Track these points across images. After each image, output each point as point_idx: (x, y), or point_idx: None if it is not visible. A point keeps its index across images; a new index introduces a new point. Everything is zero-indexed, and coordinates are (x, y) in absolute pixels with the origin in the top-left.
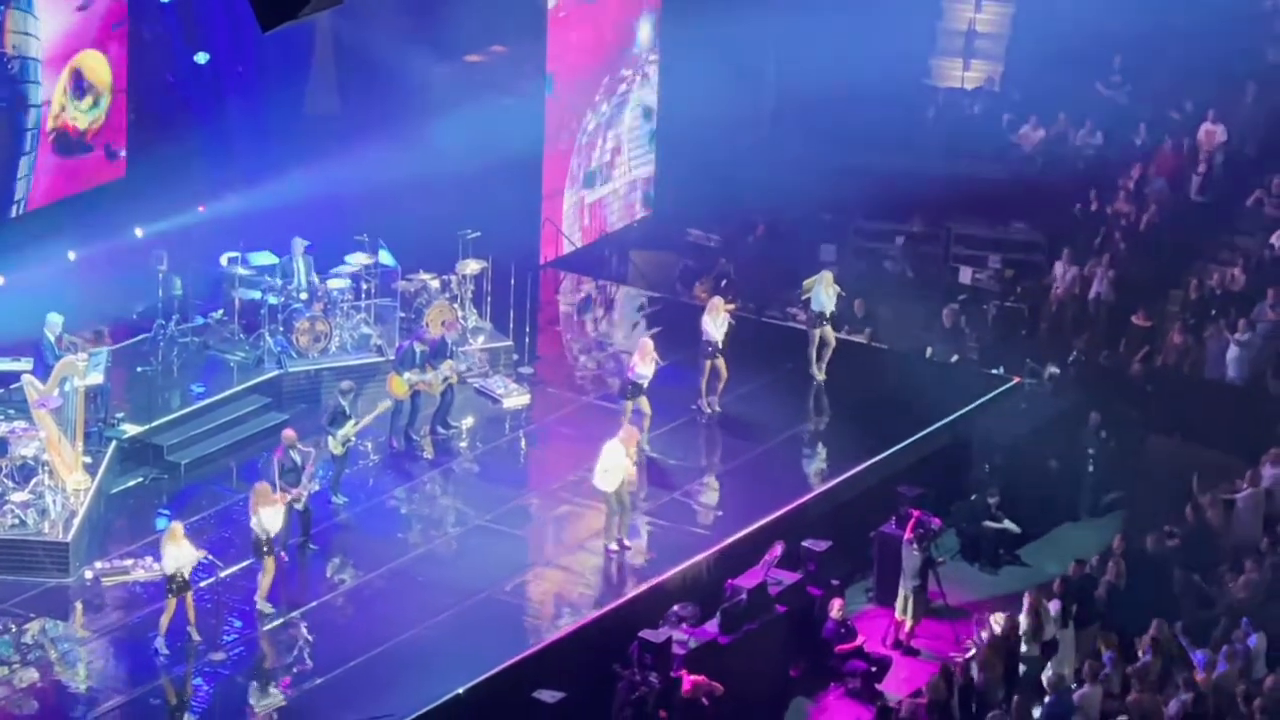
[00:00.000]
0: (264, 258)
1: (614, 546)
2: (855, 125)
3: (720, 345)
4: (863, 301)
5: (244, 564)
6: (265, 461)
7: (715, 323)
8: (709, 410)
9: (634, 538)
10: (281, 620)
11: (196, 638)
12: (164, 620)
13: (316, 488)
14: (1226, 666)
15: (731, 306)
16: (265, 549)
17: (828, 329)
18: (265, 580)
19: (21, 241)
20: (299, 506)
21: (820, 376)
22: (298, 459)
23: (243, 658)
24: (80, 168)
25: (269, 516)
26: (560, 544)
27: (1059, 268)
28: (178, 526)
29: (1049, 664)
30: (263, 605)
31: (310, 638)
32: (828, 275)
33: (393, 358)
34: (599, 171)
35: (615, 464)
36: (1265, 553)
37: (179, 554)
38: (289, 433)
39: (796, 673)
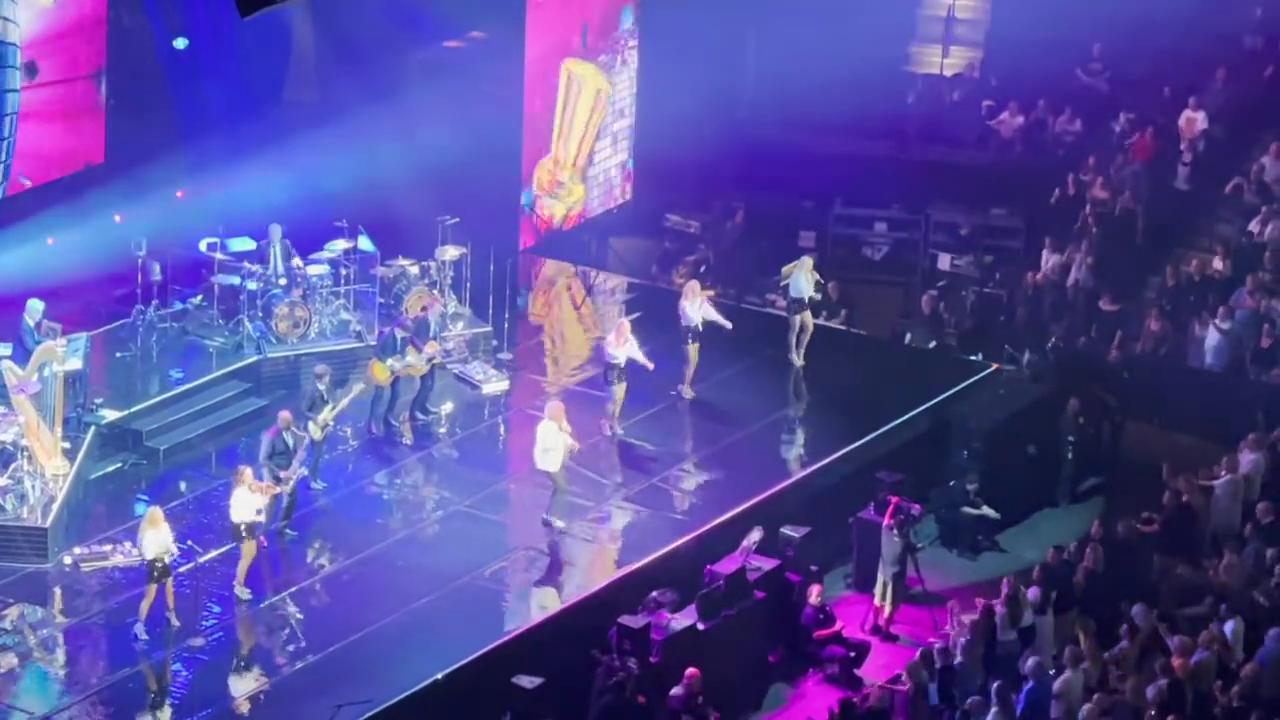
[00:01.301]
0: (243, 243)
1: (561, 525)
2: (835, 111)
3: (699, 329)
4: (837, 284)
5: (223, 549)
6: (253, 442)
7: (694, 307)
8: (689, 396)
9: (607, 523)
10: (262, 606)
11: (175, 623)
12: (144, 606)
13: (304, 473)
14: (1204, 653)
15: (710, 292)
16: (244, 533)
17: (807, 315)
18: (243, 565)
19: None
20: (286, 490)
21: (799, 363)
22: (290, 442)
23: (222, 643)
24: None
25: (249, 501)
26: (539, 529)
27: (1045, 255)
28: (157, 511)
29: (1028, 650)
30: (240, 590)
31: (290, 623)
32: (807, 261)
33: (372, 343)
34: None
35: (554, 443)
36: (1248, 539)
37: (158, 539)
38: (285, 414)
39: (775, 658)
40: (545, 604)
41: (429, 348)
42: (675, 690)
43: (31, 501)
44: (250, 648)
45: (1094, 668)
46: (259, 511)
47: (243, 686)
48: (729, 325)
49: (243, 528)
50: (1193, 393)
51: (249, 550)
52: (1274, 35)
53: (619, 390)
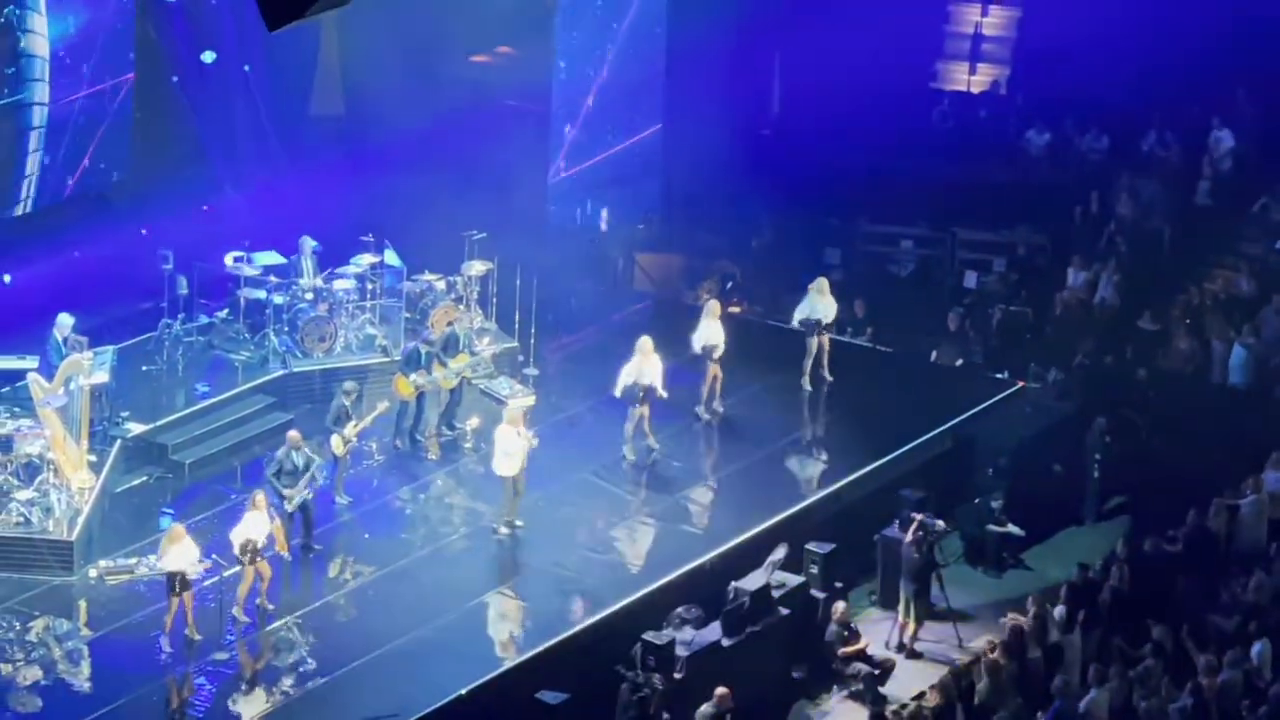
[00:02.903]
0: (269, 257)
1: (504, 530)
2: (861, 128)
3: (716, 350)
4: (862, 302)
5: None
6: (267, 460)
7: (712, 329)
8: (705, 417)
9: (631, 539)
10: (285, 620)
11: (196, 637)
12: (168, 619)
13: (309, 495)
14: (1231, 673)
15: (736, 309)
16: (246, 557)
17: (824, 336)
18: (241, 588)
19: (27, 239)
20: (290, 508)
21: (808, 387)
22: (299, 462)
23: (246, 657)
24: None
25: (257, 524)
26: (564, 545)
27: (1071, 271)
28: (179, 527)
29: (1054, 669)
30: (237, 613)
31: (313, 637)
32: (824, 284)
33: (397, 358)
34: None
35: (514, 447)
36: (1274, 557)
37: (180, 554)
38: (294, 434)
39: (799, 675)
40: (570, 620)
41: (456, 361)
42: (705, 708)
43: (57, 514)
44: (273, 662)
45: (1119, 686)
46: (267, 540)
47: (265, 700)
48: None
49: (244, 550)
50: (1219, 411)
51: (248, 574)
52: None
53: (645, 409)
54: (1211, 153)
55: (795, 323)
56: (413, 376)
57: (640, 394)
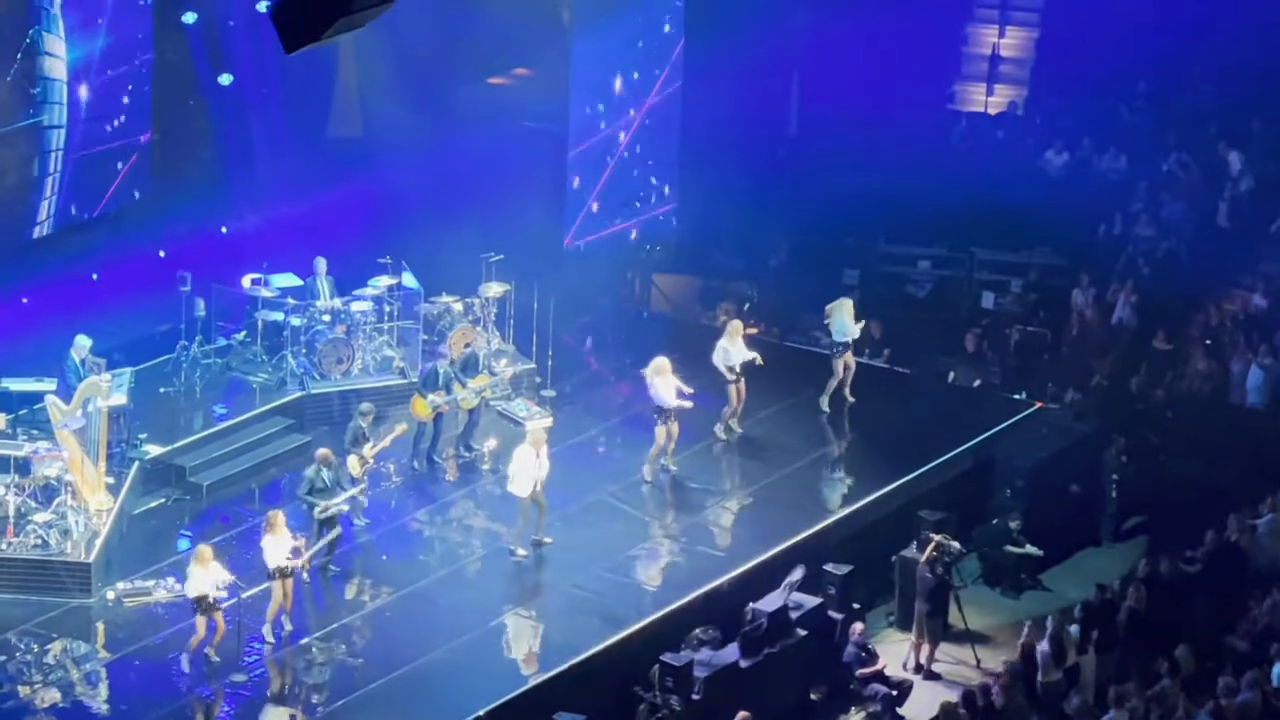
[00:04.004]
0: (286, 279)
1: (521, 552)
2: (878, 149)
3: (739, 369)
4: (878, 323)
5: (265, 585)
6: (296, 479)
7: (735, 348)
8: (724, 436)
9: (649, 560)
10: (303, 642)
11: (215, 659)
12: (194, 641)
13: (345, 509)
14: (1250, 694)
15: (753, 329)
16: (275, 576)
17: (849, 355)
18: (272, 608)
19: (45, 262)
20: (319, 515)
21: (826, 409)
22: (329, 479)
23: (264, 679)
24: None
25: (279, 546)
26: (581, 566)
27: (1077, 293)
28: (206, 549)
29: (1071, 690)
30: (267, 633)
31: (331, 660)
32: (848, 303)
33: (414, 380)
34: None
35: (527, 469)
36: None
37: (205, 577)
38: (323, 451)
39: (817, 696)
40: (587, 640)
41: (476, 381)
42: None
43: (75, 536)
44: (292, 684)
45: (1137, 707)
46: (292, 554)
47: None
48: (760, 360)
49: (274, 571)
50: (1236, 430)
51: (276, 592)
52: None
53: (674, 429)
54: (1229, 173)
55: (839, 339)
56: (430, 397)
57: (659, 415)
